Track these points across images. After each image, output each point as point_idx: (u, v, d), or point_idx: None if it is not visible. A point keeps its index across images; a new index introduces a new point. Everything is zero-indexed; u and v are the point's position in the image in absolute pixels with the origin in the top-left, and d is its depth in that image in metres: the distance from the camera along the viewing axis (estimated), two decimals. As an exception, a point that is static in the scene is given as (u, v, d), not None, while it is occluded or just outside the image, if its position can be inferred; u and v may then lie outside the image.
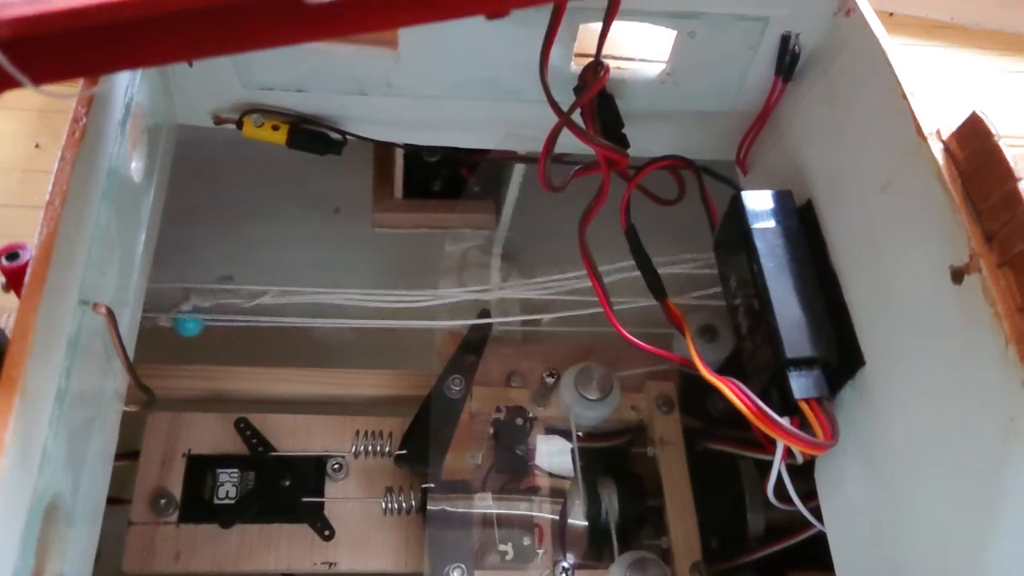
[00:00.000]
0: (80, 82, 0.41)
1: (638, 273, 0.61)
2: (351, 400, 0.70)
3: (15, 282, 0.39)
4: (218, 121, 0.61)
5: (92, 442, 0.46)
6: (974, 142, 0.42)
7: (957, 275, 0.42)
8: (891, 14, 0.75)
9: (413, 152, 0.69)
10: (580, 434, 0.69)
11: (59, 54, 0.32)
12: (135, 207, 0.51)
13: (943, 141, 0.44)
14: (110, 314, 0.42)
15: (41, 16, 0.30)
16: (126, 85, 0.47)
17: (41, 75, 0.32)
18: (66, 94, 0.37)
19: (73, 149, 0.40)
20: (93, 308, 0.41)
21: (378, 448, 0.66)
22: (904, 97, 0.46)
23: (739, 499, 0.66)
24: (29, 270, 0.36)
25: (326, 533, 0.63)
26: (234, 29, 0.33)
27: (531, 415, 0.67)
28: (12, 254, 0.38)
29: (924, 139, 0.45)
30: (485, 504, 0.64)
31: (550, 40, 0.49)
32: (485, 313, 0.71)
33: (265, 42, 0.34)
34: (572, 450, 0.67)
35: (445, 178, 0.80)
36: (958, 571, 0.42)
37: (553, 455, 0.68)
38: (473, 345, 0.69)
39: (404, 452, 0.65)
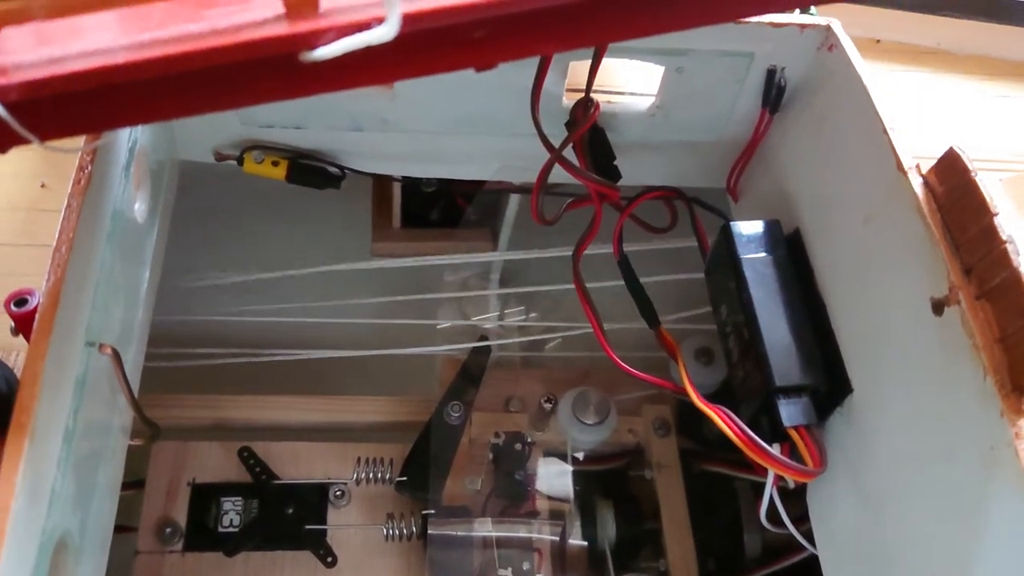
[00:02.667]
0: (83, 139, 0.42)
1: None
2: (352, 427, 0.71)
3: (23, 327, 0.40)
4: (219, 158, 0.63)
5: (99, 477, 0.47)
6: (952, 177, 0.43)
7: (937, 307, 0.43)
8: (878, 41, 0.76)
9: (410, 183, 0.70)
10: (578, 457, 0.70)
11: (65, 113, 0.34)
12: (139, 246, 0.53)
13: (923, 175, 0.45)
14: (115, 354, 0.44)
15: (48, 80, 0.32)
16: (130, 130, 0.49)
17: (48, 133, 0.34)
18: (71, 148, 0.39)
19: (79, 197, 0.41)
20: (99, 349, 0.43)
21: (379, 475, 0.67)
22: (884, 132, 0.48)
23: (735, 521, 0.67)
24: (37, 316, 0.38)
25: (329, 560, 0.64)
26: (234, 86, 0.34)
27: (530, 440, 0.68)
28: (20, 300, 0.40)
29: (904, 173, 0.46)
30: (485, 529, 0.65)
31: (539, 84, 0.51)
32: (484, 339, 0.73)
33: (263, 97, 0.35)
34: (570, 474, 0.68)
35: (442, 208, 0.81)
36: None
37: (552, 479, 0.68)
38: (472, 371, 0.70)
39: (404, 479, 0.66)
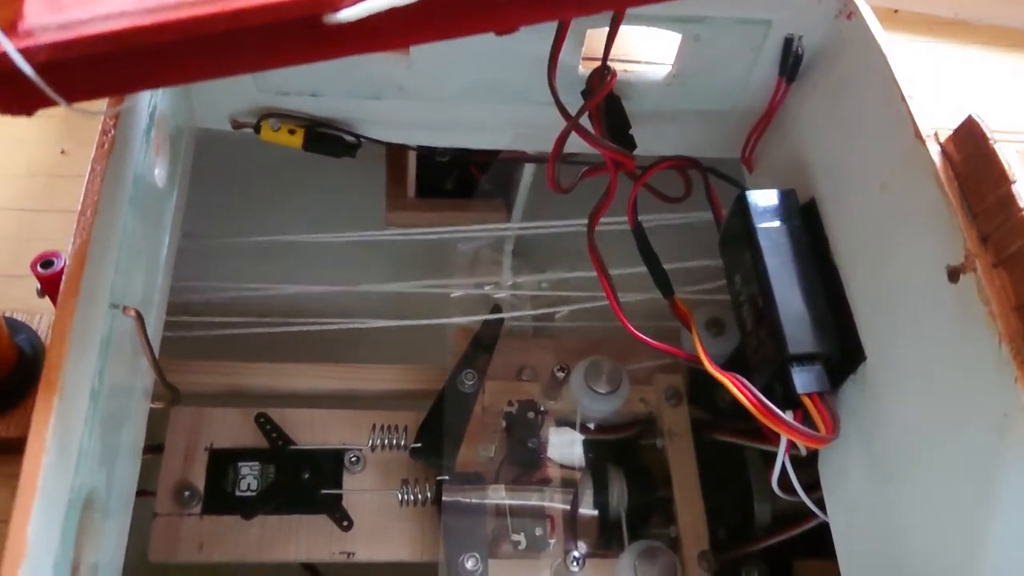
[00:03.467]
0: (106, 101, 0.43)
1: (643, 270, 0.62)
2: (367, 394, 0.72)
3: (49, 288, 0.41)
4: (236, 126, 0.63)
5: (122, 438, 0.48)
6: (970, 145, 0.43)
7: (953, 274, 0.43)
8: (896, 11, 0.75)
9: (425, 153, 0.70)
10: (590, 426, 0.71)
11: (90, 75, 0.34)
12: (159, 212, 0.53)
13: (940, 144, 0.46)
14: (139, 316, 0.44)
15: (75, 41, 0.32)
16: (150, 95, 0.49)
17: (74, 94, 0.34)
18: (96, 111, 0.39)
19: (103, 161, 0.41)
20: (123, 311, 0.43)
21: (394, 441, 0.68)
22: (903, 100, 0.48)
23: (746, 489, 0.67)
24: (64, 277, 0.38)
25: (344, 524, 0.65)
26: (258, 49, 0.34)
27: (542, 408, 0.69)
28: (46, 262, 0.40)
29: (922, 142, 0.46)
30: (498, 495, 0.66)
31: (557, 50, 0.51)
32: (497, 309, 0.73)
33: (288, 60, 0.36)
34: (582, 442, 0.69)
35: (457, 178, 0.81)
36: (955, 559, 0.44)
37: (564, 447, 0.69)
38: (485, 340, 0.71)
39: (419, 445, 0.66)
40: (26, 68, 0.31)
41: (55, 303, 0.41)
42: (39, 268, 0.40)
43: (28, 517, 0.33)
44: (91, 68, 0.34)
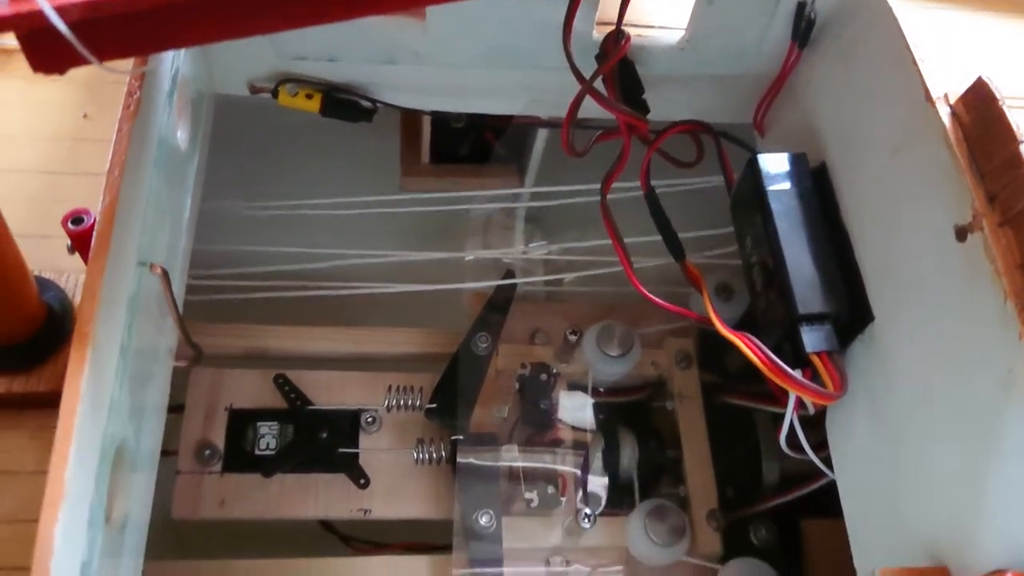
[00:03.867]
0: (132, 60, 0.44)
1: (654, 237, 0.63)
2: (383, 357, 0.74)
3: (80, 244, 0.42)
4: (254, 91, 0.64)
5: (149, 395, 0.49)
6: (980, 106, 0.44)
7: (961, 233, 0.44)
8: (908, -24, 0.75)
9: (440, 119, 0.71)
10: (602, 389, 0.72)
11: (120, 34, 0.35)
12: (181, 174, 0.54)
13: (950, 105, 0.46)
14: (164, 274, 0.46)
15: (106, 0, 0.33)
16: (172, 58, 0.50)
17: (104, 53, 0.35)
18: (124, 70, 0.40)
19: (129, 122, 0.43)
20: (150, 269, 0.44)
21: (409, 402, 0.69)
22: (914, 63, 0.48)
23: (755, 450, 0.69)
24: (95, 234, 0.39)
25: (361, 481, 0.66)
26: (285, 7, 0.35)
27: (555, 371, 0.70)
28: (77, 219, 0.42)
29: (932, 104, 0.47)
30: (511, 455, 0.67)
31: (572, 14, 0.51)
32: (510, 274, 0.74)
33: (316, 18, 0.36)
34: (593, 404, 0.70)
35: (471, 143, 0.82)
36: (960, 512, 0.45)
37: (575, 409, 0.70)
38: (498, 303, 0.72)
39: (434, 406, 0.68)
40: (60, 25, 0.32)
41: (85, 260, 0.42)
42: (70, 225, 0.42)
43: (66, 462, 0.35)
44: (121, 26, 0.35)
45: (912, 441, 0.49)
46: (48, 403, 0.45)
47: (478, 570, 0.62)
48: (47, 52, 0.34)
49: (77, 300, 0.52)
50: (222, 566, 0.63)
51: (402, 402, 0.69)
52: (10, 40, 0.36)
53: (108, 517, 0.41)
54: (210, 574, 0.62)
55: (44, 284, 0.51)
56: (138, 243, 0.44)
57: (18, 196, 0.58)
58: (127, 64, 0.41)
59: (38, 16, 0.32)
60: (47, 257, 0.52)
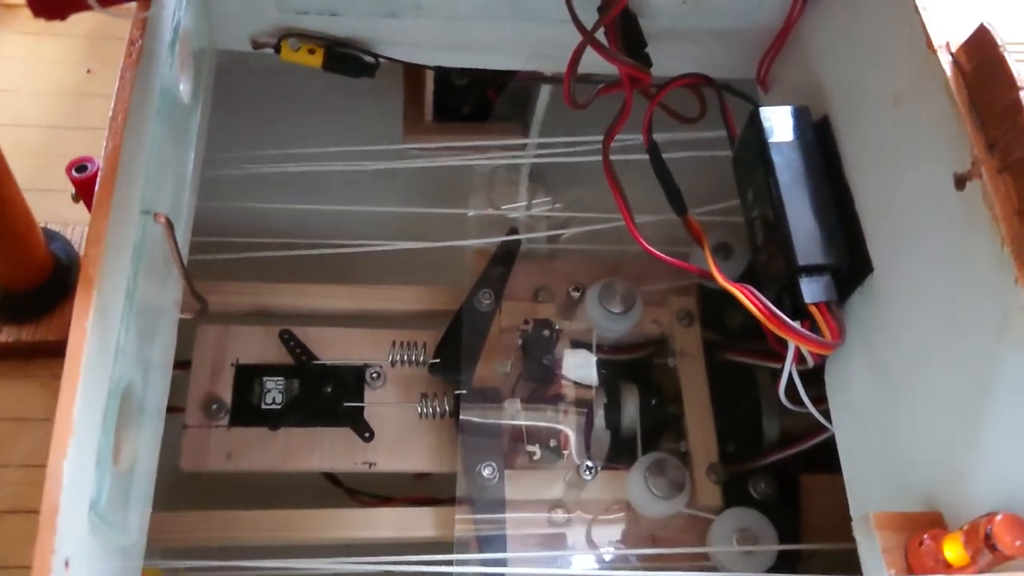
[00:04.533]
0: (134, 6, 0.44)
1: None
2: (387, 314, 0.74)
3: (84, 192, 0.42)
4: (256, 45, 0.64)
5: (155, 344, 0.50)
6: (981, 53, 0.44)
7: (960, 182, 0.44)
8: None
9: (443, 75, 0.71)
10: (604, 347, 0.72)
11: (120, -23, 0.35)
12: (184, 126, 0.54)
13: (952, 53, 0.46)
14: (169, 223, 0.46)
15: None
16: (173, 8, 0.50)
17: (105, -2, 0.35)
18: (125, 14, 0.40)
19: (131, 69, 0.43)
20: (154, 218, 0.45)
21: (413, 358, 0.70)
22: (916, 11, 0.48)
23: (755, 407, 0.69)
24: (99, 180, 0.40)
25: (366, 435, 0.67)
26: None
27: (557, 327, 0.71)
28: (81, 167, 0.42)
29: (934, 52, 0.46)
30: (514, 409, 0.68)
31: (575, -40, 0.51)
32: (513, 230, 0.74)
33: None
34: (596, 361, 0.71)
35: (474, 101, 0.82)
36: (953, 459, 0.45)
37: (578, 366, 0.71)
38: (501, 259, 0.73)
39: (437, 361, 0.69)
40: (61, -34, 0.32)
41: (89, 207, 0.42)
42: (74, 172, 0.42)
43: (73, 400, 0.35)
44: (120, -30, 0.35)
45: (909, 389, 0.49)
46: (56, 352, 0.45)
47: (481, 516, 0.63)
48: (48, -4, 0.35)
49: (83, 251, 0.52)
50: (230, 516, 0.64)
51: (406, 358, 0.70)
52: (13, -6, 0.36)
53: (116, 460, 0.42)
54: (218, 524, 0.63)
55: (51, 235, 0.51)
56: (142, 192, 0.45)
57: (23, 150, 0.58)
58: (129, 9, 0.42)
59: (38, -43, 0.32)
60: (53, 209, 0.53)
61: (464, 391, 0.68)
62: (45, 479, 0.34)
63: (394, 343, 0.70)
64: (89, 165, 0.42)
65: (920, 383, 0.48)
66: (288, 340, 0.70)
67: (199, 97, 0.58)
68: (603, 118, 0.62)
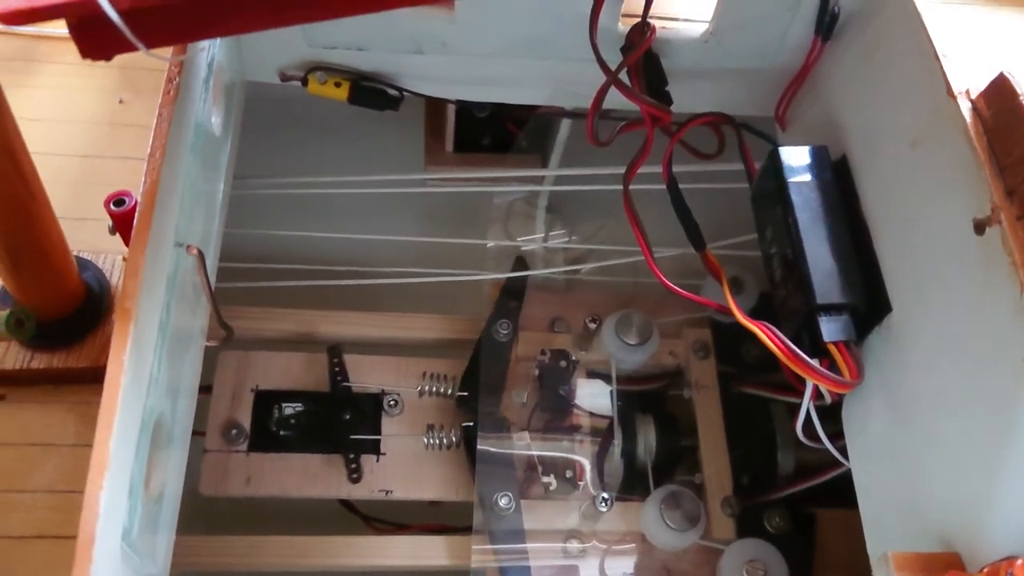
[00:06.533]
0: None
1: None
2: (406, 343, 0.75)
3: (121, 225, 0.43)
4: (285, 78, 0.65)
5: (184, 372, 0.51)
6: (1000, 101, 0.45)
7: (979, 227, 0.45)
8: (931, -28, 0.76)
9: (464, 108, 0.72)
10: (620, 377, 0.73)
11: (166, 23, 0.37)
12: (215, 159, 0.56)
13: (971, 100, 0.47)
14: (200, 255, 0.47)
15: (156, -10, 0.34)
16: (208, 46, 0.52)
17: (151, 41, 0.37)
18: (165, 57, 0.42)
19: (169, 107, 0.44)
20: (187, 250, 0.46)
21: (441, 389, 0.70)
22: (936, 58, 0.49)
23: (770, 440, 0.69)
24: (137, 214, 0.41)
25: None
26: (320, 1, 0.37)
27: (573, 358, 0.71)
28: (119, 201, 0.43)
29: (954, 98, 0.47)
30: (529, 440, 0.68)
31: (598, 4, 0.52)
32: (521, 261, 0.75)
33: (347, 10, 0.38)
34: (611, 392, 0.71)
35: (494, 134, 0.83)
36: (972, 502, 0.46)
37: (594, 396, 0.72)
38: (513, 290, 0.73)
39: (465, 394, 0.69)
40: (112, 14, 0.33)
41: (126, 240, 0.43)
42: (112, 206, 0.43)
43: (111, 431, 0.36)
44: (167, 15, 0.36)
45: (927, 429, 0.50)
46: (86, 379, 0.47)
47: (500, 546, 0.63)
48: (97, 39, 0.36)
49: (114, 280, 0.53)
50: (248, 541, 0.64)
51: (435, 389, 0.70)
52: (47, 27, 0.38)
53: (147, 488, 0.43)
54: (238, 549, 0.64)
55: (83, 264, 0.52)
56: (176, 224, 0.46)
57: (57, 178, 0.59)
58: (168, 51, 0.43)
59: (91, 4, 0.33)
60: (86, 239, 0.54)
61: (471, 423, 0.68)
62: (82, 509, 0.35)
63: (424, 374, 0.71)
64: (127, 199, 0.43)
65: (939, 424, 0.49)
66: (333, 357, 0.70)
67: (229, 129, 0.59)
68: (620, 150, 0.63)
